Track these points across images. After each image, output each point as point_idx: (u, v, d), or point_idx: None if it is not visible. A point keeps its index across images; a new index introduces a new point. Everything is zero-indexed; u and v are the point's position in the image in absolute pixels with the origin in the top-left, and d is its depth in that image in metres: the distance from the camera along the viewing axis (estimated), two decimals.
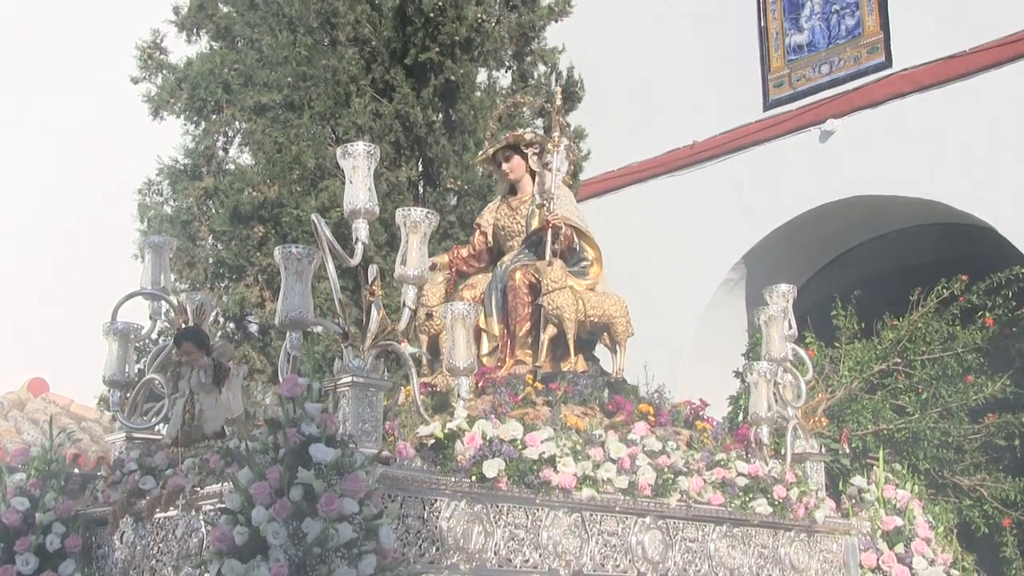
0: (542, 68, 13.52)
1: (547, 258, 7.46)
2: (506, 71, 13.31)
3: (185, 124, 12.53)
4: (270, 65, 12.45)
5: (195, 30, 13.17)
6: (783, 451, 7.51)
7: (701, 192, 14.07)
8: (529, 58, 13.47)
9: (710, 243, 13.56)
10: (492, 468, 5.83)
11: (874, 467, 7.85)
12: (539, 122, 13.24)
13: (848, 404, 10.02)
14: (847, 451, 9.00)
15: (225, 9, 13.01)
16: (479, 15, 12.66)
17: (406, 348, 6.10)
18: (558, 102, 8.38)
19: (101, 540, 6.60)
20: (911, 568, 7.41)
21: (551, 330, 7.36)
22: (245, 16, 12.79)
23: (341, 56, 12.52)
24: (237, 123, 12.53)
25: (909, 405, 10.24)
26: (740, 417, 9.30)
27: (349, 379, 5.60)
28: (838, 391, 9.90)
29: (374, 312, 5.77)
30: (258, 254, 11.52)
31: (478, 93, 12.87)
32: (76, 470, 10.86)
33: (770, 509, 7.05)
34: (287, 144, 12.13)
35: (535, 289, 7.42)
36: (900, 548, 7.48)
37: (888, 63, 12.93)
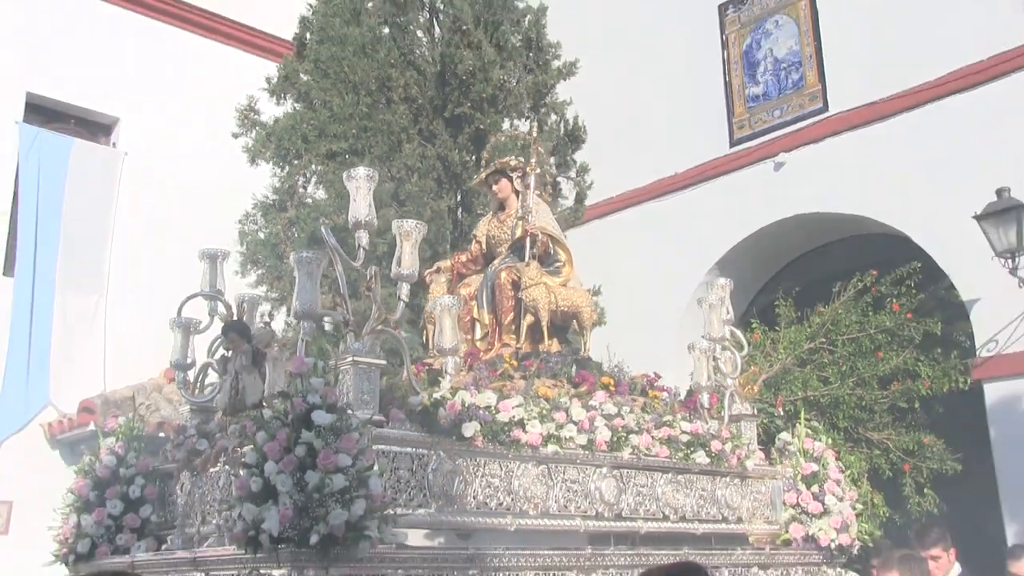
0: (554, 117, 13.26)
1: (526, 260, 7.28)
2: (525, 120, 13.09)
3: (273, 169, 12.47)
4: (338, 120, 12.30)
5: (282, 95, 13.03)
6: (722, 413, 7.24)
7: (682, 212, 13.91)
8: (543, 110, 13.24)
9: (690, 252, 13.37)
10: (469, 429, 5.63)
11: (797, 425, 7.53)
12: (554, 160, 13.23)
13: (783, 376, 9.82)
14: (781, 413, 8.79)
15: (304, 78, 12.84)
16: (502, 77, 12.46)
17: (400, 334, 5.88)
18: (534, 134, 8.36)
19: (170, 490, 6.46)
20: (823, 504, 7.11)
21: (529, 318, 7.16)
22: (320, 83, 12.64)
23: (394, 111, 12.37)
24: (313, 166, 12.38)
25: (832, 376, 9.99)
26: None
27: (350, 359, 5.42)
28: (776, 365, 9.69)
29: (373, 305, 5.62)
30: (330, 268, 11.30)
31: (504, 138, 12.66)
32: (161, 434, 10.67)
33: (708, 460, 6.81)
34: None
35: (517, 286, 7.22)
36: (815, 488, 7.22)
37: (825, 108, 12.81)
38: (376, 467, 5.00)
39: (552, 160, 13.17)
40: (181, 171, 14.86)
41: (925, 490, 9.82)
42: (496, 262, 7.59)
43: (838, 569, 7.27)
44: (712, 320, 7.41)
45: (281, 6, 15.37)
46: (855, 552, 7.38)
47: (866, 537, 7.73)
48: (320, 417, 4.88)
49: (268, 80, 13.13)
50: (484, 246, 7.83)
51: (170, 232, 14.18)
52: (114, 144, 15.39)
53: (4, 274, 14.15)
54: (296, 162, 12.60)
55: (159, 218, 14.59)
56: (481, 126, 12.14)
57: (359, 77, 12.50)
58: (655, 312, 13.23)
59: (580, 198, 13.33)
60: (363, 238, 5.85)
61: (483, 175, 8.06)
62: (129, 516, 6.40)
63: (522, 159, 7.85)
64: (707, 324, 7.43)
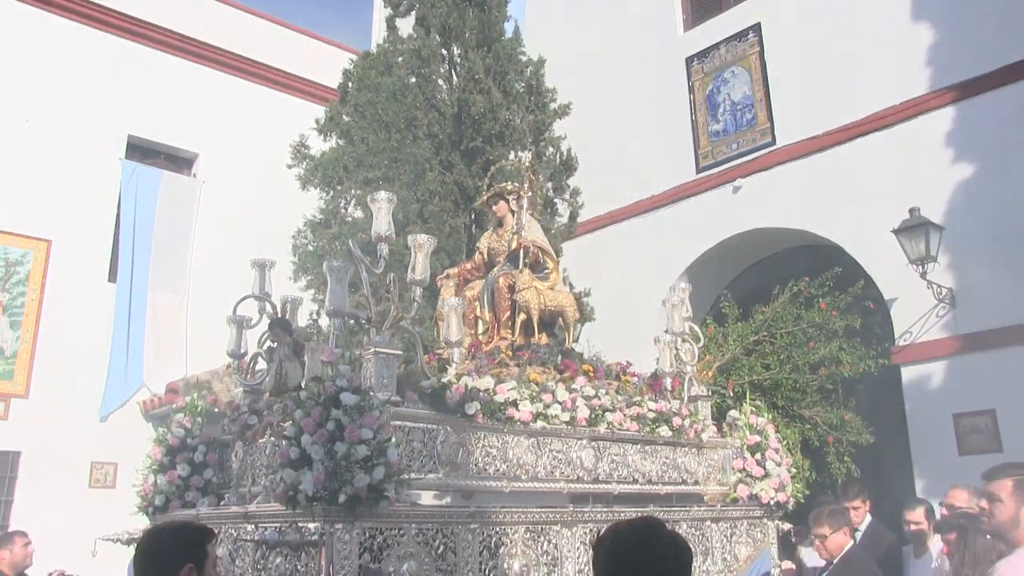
0: (551, 150, 13.29)
1: (520, 268, 7.21)
2: (527, 152, 13.03)
3: (320, 193, 12.48)
4: (373, 153, 12.36)
5: (328, 133, 13.04)
6: (682, 394, 7.13)
7: (657, 227, 13.81)
8: (542, 143, 13.26)
9: (663, 261, 13.25)
10: (471, 408, 5.55)
11: (744, 403, 7.42)
12: (551, 184, 13.19)
13: (733, 363, 9.78)
14: (731, 394, 8.73)
15: (346, 119, 12.84)
16: (508, 117, 12.46)
17: (414, 329, 5.79)
18: (527, 163, 8.27)
19: (227, 457, 6.43)
20: (765, 468, 7.04)
21: (522, 316, 7.05)
22: (358, 123, 12.68)
23: (419, 146, 12.40)
24: (353, 191, 12.40)
25: (772, 363, 9.94)
26: None
27: (372, 350, 5.35)
28: (727, 355, 9.63)
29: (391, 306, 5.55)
30: (357, 276, 11.33)
31: (509, 168, 12.65)
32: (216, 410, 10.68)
33: (670, 433, 6.71)
34: None
35: (512, 289, 7.12)
36: (758, 456, 7.13)
37: (773, 142, 12.70)
38: (393, 439, 4.94)
39: (549, 185, 13.20)
40: (247, 196, 15.00)
41: (845, 458, 9.76)
42: (495, 270, 7.47)
43: (776, 521, 7.17)
44: (674, 317, 7.32)
45: (328, 60, 15.48)
46: (790, 507, 7.27)
47: (798, 495, 7.62)
48: (347, 398, 4.84)
49: (317, 121, 13.19)
50: (485, 256, 7.71)
51: (238, 244, 14.20)
52: (194, 174, 15.55)
53: (109, 280, 14.34)
54: (339, 188, 12.60)
55: (229, 234, 14.68)
56: (491, 157, 12.06)
57: (390, 118, 12.54)
58: (635, 310, 12.97)
59: (573, 216, 13.31)
60: (384, 249, 5.69)
61: (484, 198, 7.98)
62: (194, 478, 6.41)
63: (517, 184, 7.76)
64: (669, 320, 7.34)
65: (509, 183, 7.79)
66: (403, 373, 5.70)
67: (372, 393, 5.05)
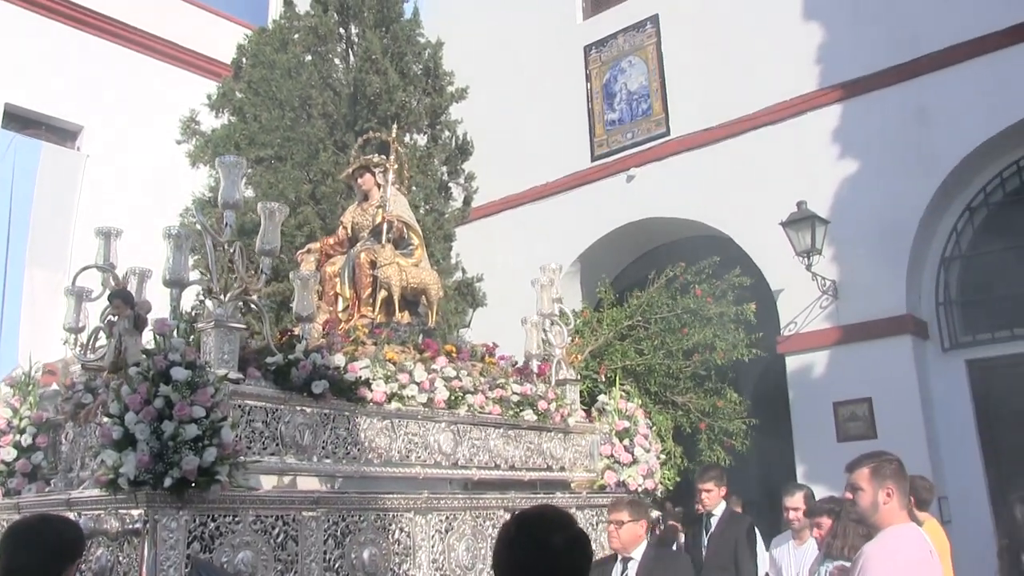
0: (447, 133, 12.91)
1: (383, 243, 6.82)
2: (422, 135, 12.70)
3: (210, 171, 11.89)
4: (266, 131, 11.89)
5: (220, 109, 12.50)
6: (550, 377, 6.82)
7: (552, 214, 13.58)
8: (438, 127, 12.88)
9: (558, 247, 12.85)
10: (319, 387, 5.13)
11: (613, 388, 7.15)
12: (445, 168, 12.84)
13: (606, 348, 9.51)
14: (603, 379, 8.42)
15: (239, 95, 12.30)
16: (404, 99, 12.05)
17: (261, 302, 5.39)
18: (393, 135, 7.80)
19: (59, 439, 5.88)
20: (633, 455, 6.77)
21: (383, 293, 6.68)
22: (251, 100, 12.15)
23: (313, 125, 11.98)
24: (245, 169, 11.82)
25: (646, 349, 9.72)
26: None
27: (212, 322, 4.91)
28: (600, 339, 9.33)
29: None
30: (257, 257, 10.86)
31: (402, 149, 12.24)
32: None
33: (535, 417, 6.38)
34: (276, 183, 11.53)
35: (374, 265, 6.74)
36: (627, 441, 6.86)
37: (668, 132, 12.61)
38: (229, 419, 4.51)
39: (444, 169, 12.85)
40: (135, 172, 14.34)
41: (715, 445, 9.60)
42: (358, 245, 7.08)
43: None
44: (543, 298, 7.05)
45: (221, 34, 14.92)
46: (659, 495, 7.04)
47: (668, 482, 7.41)
48: (178, 373, 4.41)
49: (209, 96, 12.67)
50: (349, 231, 7.30)
51: (123, 222, 13.52)
52: (78, 148, 14.77)
53: None
54: None
55: (114, 210, 13.90)
56: (384, 138, 11.74)
57: (284, 96, 12.07)
58: (527, 297, 12.64)
59: (467, 201, 12.98)
60: (230, 216, 5.27)
61: (350, 170, 7.53)
62: (20, 462, 5.82)
63: (383, 156, 7.38)
64: (538, 301, 7.06)
65: (375, 155, 7.40)
66: (250, 350, 5.30)
67: (209, 369, 4.62)
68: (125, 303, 5.55)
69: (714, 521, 6.88)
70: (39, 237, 13.84)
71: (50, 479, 5.73)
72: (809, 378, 10.57)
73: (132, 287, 5.97)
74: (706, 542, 6.87)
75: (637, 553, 5.23)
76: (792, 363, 10.79)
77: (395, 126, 7.98)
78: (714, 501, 6.91)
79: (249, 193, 12.10)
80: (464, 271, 12.49)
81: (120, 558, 4.46)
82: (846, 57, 11.03)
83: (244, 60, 12.79)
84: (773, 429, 10.56)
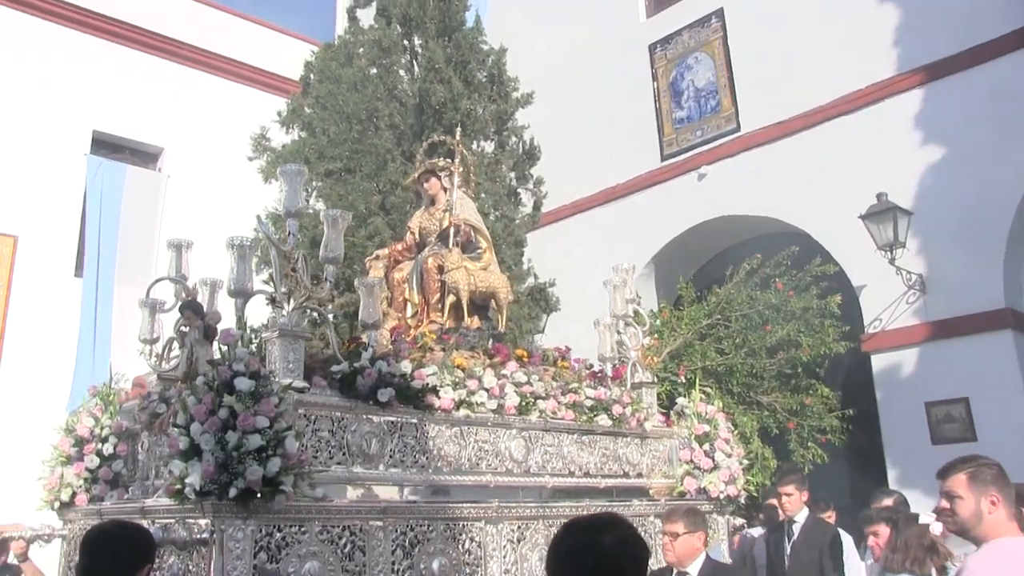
0: (514, 139, 12.80)
1: (450, 247, 6.68)
2: (489, 142, 12.61)
3: (281, 186, 11.88)
4: (334, 145, 11.92)
5: (290, 125, 12.59)
6: (625, 381, 6.60)
7: (622, 216, 13.33)
8: (505, 133, 12.75)
9: (630, 249, 12.39)
10: (384, 395, 4.99)
11: (692, 390, 6.88)
12: (513, 174, 12.70)
13: (685, 348, 9.19)
14: (683, 380, 8.10)
15: (308, 111, 12.33)
16: (469, 106, 11.96)
17: (326, 310, 5.30)
18: (458, 138, 7.60)
19: (137, 447, 5.86)
20: (714, 460, 6.48)
21: (452, 298, 6.52)
22: (319, 114, 12.19)
23: (380, 137, 11.95)
24: (314, 183, 11.89)
25: (727, 348, 9.37)
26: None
27: (276, 331, 4.82)
28: (678, 339, 9.06)
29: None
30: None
31: (467, 152, 12.16)
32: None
33: (610, 422, 6.15)
34: (345, 195, 11.53)
35: (442, 270, 6.59)
36: (707, 446, 6.56)
37: (738, 128, 12.28)
38: (293, 429, 4.41)
39: (512, 175, 12.71)
40: (211, 189, 14.57)
41: (808, 444, 9.20)
42: (426, 250, 6.95)
43: (727, 516, 6.64)
44: (616, 299, 6.80)
45: (291, 52, 15.04)
46: (742, 501, 6.74)
47: (752, 488, 7.09)
48: (241, 383, 4.34)
49: (279, 113, 12.73)
50: (417, 236, 7.16)
51: (202, 238, 13.75)
52: (160, 169, 15.10)
53: (76, 275, 13.99)
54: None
55: (195, 227, 14.11)
56: (450, 143, 11.72)
57: (351, 109, 12.09)
58: (601, 300, 12.47)
59: (537, 206, 12.85)
60: (293, 225, 5.20)
61: (415, 175, 7.41)
62: (103, 469, 5.88)
63: (448, 160, 7.23)
64: (611, 303, 6.81)
65: (441, 159, 7.27)
66: (319, 359, 5.20)
67: (273, 378, 4.53)
68: (195, 314, 5.53)
69: (796, 528, 6.51)
70: (126, 256, 14.17)
71: (129, 486, 5.75)
72: (898, 377, 10.13)
73: (204, 298, 5.95)
74: (788, 551, 6.53)
75: (694, 568, 4.77)
76: (878, 361, 10.35)
77: (459, 129, 7.78)
78: (795, 507, 6.50)
79: (320, 206, 12.14)
80: (536, 276, 12.32)
81: (190, 566, 4.44)
82: (924, 38, 10.52)
83: (311, 76, 12.86)
84: (861, 431, 10.12)
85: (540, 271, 12.38)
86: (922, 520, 7.33)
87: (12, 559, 6.20)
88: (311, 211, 12.01)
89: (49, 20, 14.34)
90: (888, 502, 6.27)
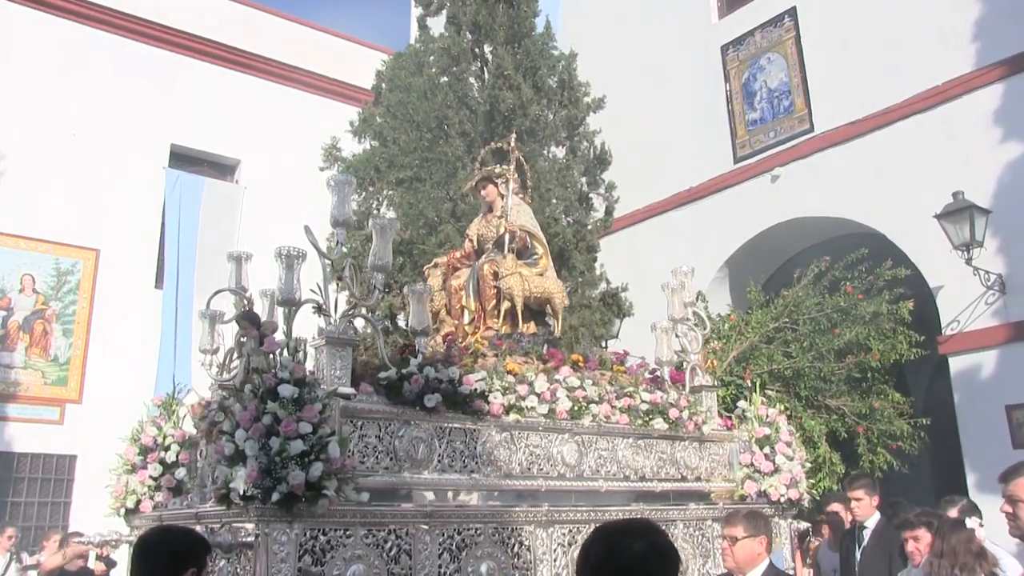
0: (585, 144, 12.69)
1: (504, 253, 6.63)
2: (560, 147, 12.55)
3: (353, 194, 11.98)
4: (405, 153, 11.94)
5: (362, 135, 12.65)
6: (685, 384, 6.49)
7: (695, 219, 13.13)
8: (576, 138, 12.66)
9: (703, 253, 12.43)
10: (431, 401, 4.99)
11: (753, 394, 6.71)
12: (584, 179, 12.60)
13: (751, 352, 8.97)
14: (748, 384, 7.87)
15: (379, 120, 12.40)
16: (538, 112, 11.95)
17: (373, 317, 5.31)
18: (512, 143, 7.53)
19: (197, 455, 5.92)
20: (774, 463, 6.29)
21: (507, 304, 6.48)
22: (390, 123, 12.25)
23: (450, 144, 11.96)
24: (385, 192, 11.97)
25: (794, 351, 9.12)
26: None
27: (323, 340, 4.90)
28: (744, 343, 8.86)
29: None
30: (399, 275, 10.82)
31: (544, 162, 12.09)
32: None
33: (666, 426, 6.03)
34: (416, 203, 11.56)
35: (497, 276, 6.54)
36: (767, 450, 6.37)
37: (812, 129, 11.96)
38: (336, 434, 4.44)
39: (583, 180, 12.61)
40: (286, 200, 14.74)
41: (878, 449, 8.90)
42: (483, 257, 6.91)
43: (789, 520, 6.44)
44: (674, 302, 6.69)
45: (365, 62, 15.16)
46: (805, 505, 6.53)
47: (815, 491, 6.87)
48: (285, 390, 4.40)
49: (351, 123, 12.84)
50: (475, 243, 7.12)
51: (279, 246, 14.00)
52: (237, 180, 15.35)
53: (156, 286, 14.29)
54: (371, 188, 12.20)
55: (271, 237, 14.35)
56: (506, 149, 11.67)
57: (421, 117, 12.13)
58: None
59: (609, 211, 12.70)
60: (340, 234, 5.26)
61: (472, 182, 7.39)
62: (165, 477, 5.98)
63: (505, 167, 7.18)
64: (669, 306, 6.70)
65: (497, 166, 7.21)
66: (371, 367, 5.21)
67: (319, 385, 4.58)
68: (252, 324, 5.58)
69: (867, 534, 6.28)
70: (204, 267, 14.40)
71: (190, 493, 5.83)
72: (977, 379, 9.76)
73: (264, 308, 6.01)
74: (859, 557, 6.32)
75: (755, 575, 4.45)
76: (956, 364, 9.98)
77: (514, 135, 7.73)
78: (866, 511, 6.28)
79: (391, 214, 12.21)
80: (608, 282, 12.19)
81: (238, 570, 4.48)
82: (1005, 31, 10.12)
83: (383, 85, 12.95)
84: (939, 434, 9.79)
85: (612, 276, 12.25)
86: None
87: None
88: (380, 216, 12.14)
89: (126, 37, 14.72)
90: (953, 512, 6.01)
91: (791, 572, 6.27)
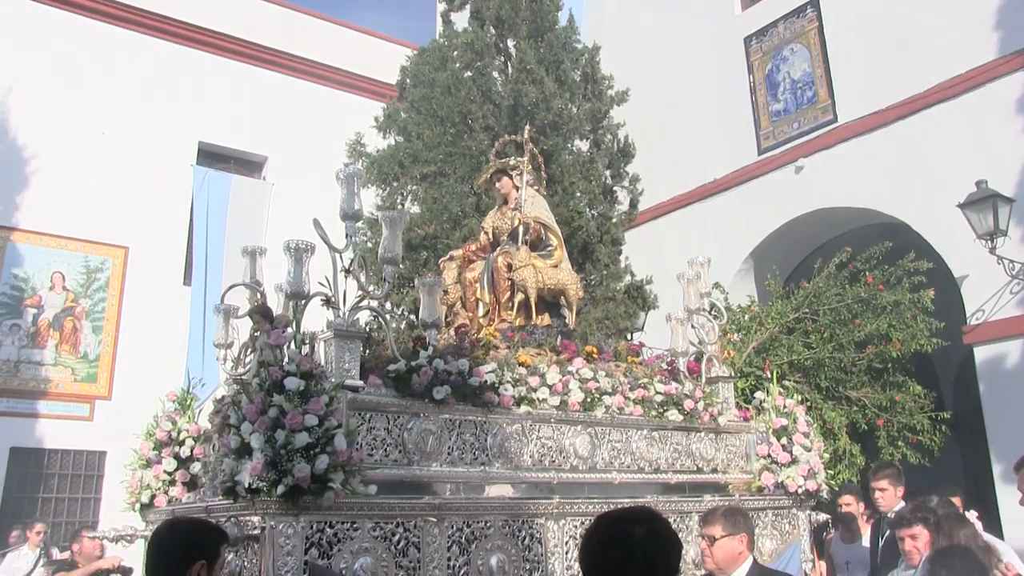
0: (609, 137, 12.65)
1: (518, 245, 6.51)
2: (584, 140, 12.44)
3: (376, 190, 11.91)
4: (429, 148, 11.86)
5: (387, 130, 12.59)
6: (701, 375, 6.37)
7: (720, 211, 13.00)
8: (600, 131, 12.58)
9: (728, 245, 12.40)
10: (440, 393, 4.89)
11: (769, 384, 6.58)
12: (609, 172, 12.48)
13: (771, 343, 8.78)
14: (768, 375, 7.70)
15: (403, 115, 12.32)
16: (561, 106, 11.87)
17: (383, 310, 5.23)
18: (526, 135, 7.37)
19: (211, 449, 5.87)
20: (792, 454, 6.13)
21: (520, 296, 6.36)
22: (414, 118, 12.17)
23: (474, 139, 11.91)
24: (409, 187, 11.90)
25: (814, 342, 8.93)
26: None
27: (331, 332, 4.82)
28: (764, 334, 8.69)
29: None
30: (424, 270, 10.75)
31: (568, 156, 11.98)
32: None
33: (681, 417, 5.89)
34: (440, 198, 11.49)
35: (511, 268, 6.43)
36: (784, 440, 6.22)
37: (835, 119, 11.79)
38: (342, 427, 4.36)
39: (607, 173, 12.49)
40: (313, 196, 14.65)
41: (898, 442, 8.70)
42: (497, 249, 6.80)
43: (808, 512, 6.29)
44: (690, 293, 6.53)
45: (390, 58, 15.09)
46: (824, 496, 6.38)
47: (832, 483, 6.71)
48: (291, 383, 4.32)
49: (376, 119, 12.78)
50: (491, 235, 7.01)
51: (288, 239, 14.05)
52: (264, 177, 15.34)
53: (184, 283, 14.29)
54: (395, 184, 12.15)
55: (299, 234, 14.34)
56: (545, 147, 11.43)
57: (445, 112, 12.06)
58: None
59: (633, 204, 12.60)
60: (351, 227, 5.21)
61: (487, 175, 7.27)
62: (179, 472, 5.92)
63: (520, 159, 7.07)
64: (685, 296, 6.54)
65: (511, 158, 7.12)
66: (381, 359, 5.14)
67: (327, 377, 4.51)
68: (264, 318, 5.54)
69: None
70: (233, 263, 14.37)
71: (203, 487, 5.79)
72: (1003, 369, 9.56)
73: (279, 303, 5.95)
74: (881, 548, 6.16)
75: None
76: (982, 354, 9.79)
77: (527, 127, 7.63)
78: (890, 502, 6.07)
79: (415, 210, 12.14)
80: (633, 274, 12.05)
81: (245, 563, 4.42)
82: None
83: (407, 81, 12.89)
84: (963, 426, 9.58)
85: (637, 269, 12.13)
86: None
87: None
88: (407, 215, 12.07)
89: (153, 35, 14.77)
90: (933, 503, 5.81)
91: (809, 563, 6.13)
